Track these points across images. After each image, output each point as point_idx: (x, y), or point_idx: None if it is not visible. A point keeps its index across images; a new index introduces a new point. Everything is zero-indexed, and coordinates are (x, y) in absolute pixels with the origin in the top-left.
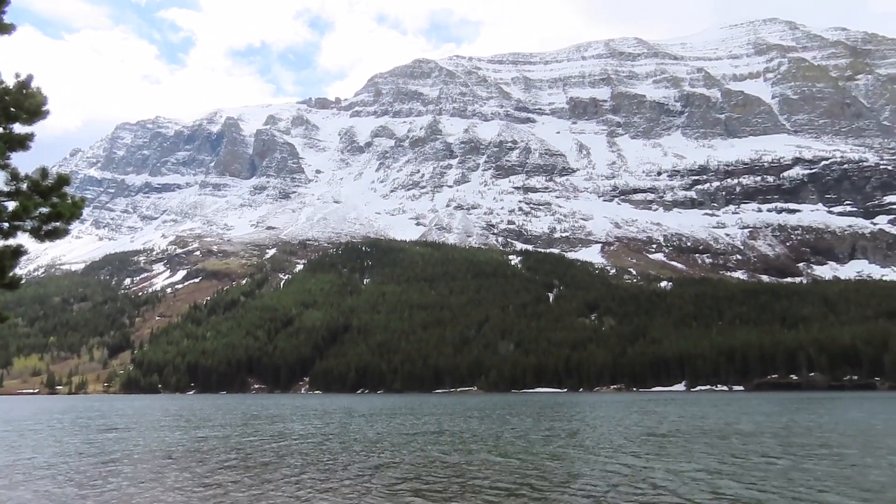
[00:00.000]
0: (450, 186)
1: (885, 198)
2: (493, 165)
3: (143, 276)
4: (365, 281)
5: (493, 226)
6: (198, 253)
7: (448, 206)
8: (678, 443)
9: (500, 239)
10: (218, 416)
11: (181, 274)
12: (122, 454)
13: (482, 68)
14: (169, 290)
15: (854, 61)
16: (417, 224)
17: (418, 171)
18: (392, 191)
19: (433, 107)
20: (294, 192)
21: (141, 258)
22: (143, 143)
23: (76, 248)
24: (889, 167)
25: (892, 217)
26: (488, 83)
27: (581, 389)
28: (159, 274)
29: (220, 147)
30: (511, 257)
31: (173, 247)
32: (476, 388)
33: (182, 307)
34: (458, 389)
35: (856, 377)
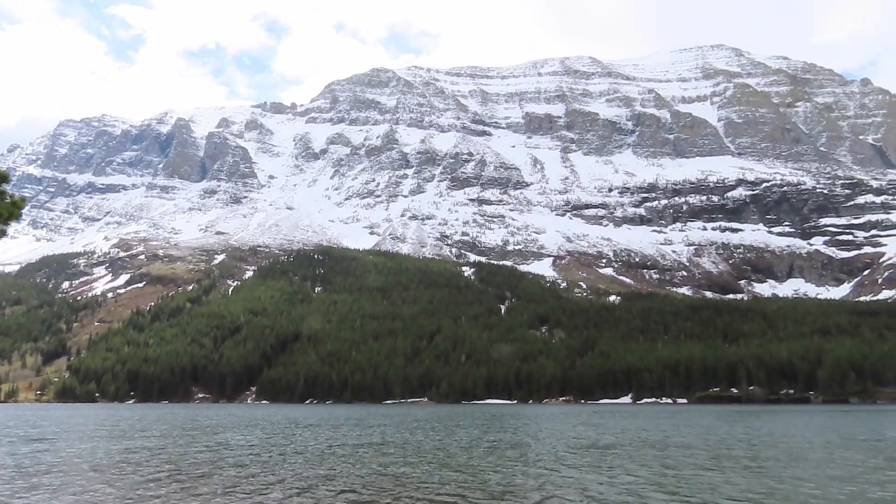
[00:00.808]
0: (405, 196)
1: (820, 220)
2: (449, 177)
3: (82, 279)
4: (316, 289)
5: (447, 237)
6: (142, 257)
7: (403, 215)
8: (616, 455)
9: (454, 250)
10: (155, 426)
11: (124, 278)
12: (48, 466)
13: (440, 80)
14: (110, 294)
15: (794, 89)
16: (371, 233)
17: (374, 180)
18: (346, 199)
19: (390, 116)
20: (246, 197)
21: (81, 261)
22: (88, 141)
23: (11, 249)
24: (825, 191)
25: (826, 238)
26: (446, 95)
27: (531, 401)
28: (100, 278)
29: (170, 148)
30: (464, 268)
31: (116, 250)
32: (426, 400)
33: (124, 313)
34: (409, 400)
35: (792, 391)
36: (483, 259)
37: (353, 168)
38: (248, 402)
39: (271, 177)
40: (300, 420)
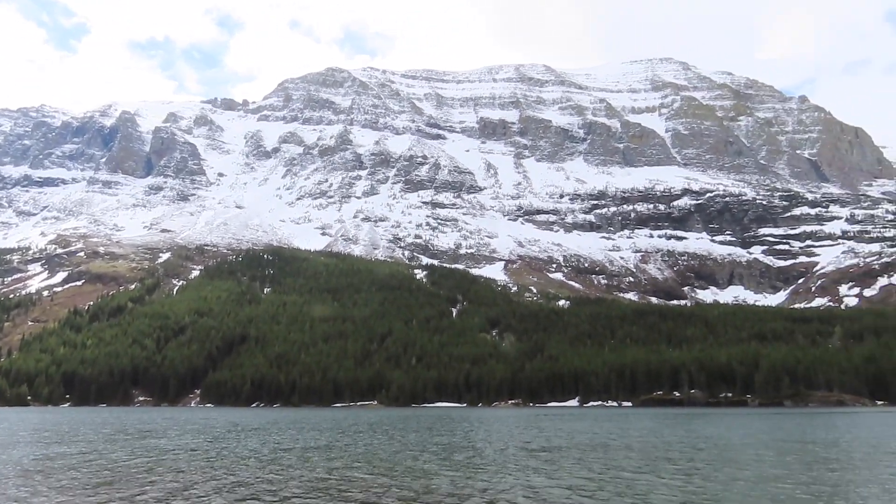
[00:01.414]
0: (358, 198)
1: (759, 230)
2: (403, 179)
3: (15, 276)
4: (265, 290)
5: (400, 239)
6: (82, 254)
7: (355, 217)
8: (551, 458)
9: (406, 252)
10: (88, 431)
11: (61, 276)
12: None
13: (396, 82)
14: (46, 292)
15: (737, 104)
16: (323, 234)
17: (326, 181)
18: (298, 199)
19: (344, 116)
20: (193, 194)
21: (14, 257)
22: (25, 132)
23: None
24: (764, 202)
25: (765, 248)
26: (401, 97)
27: (480, 404)
28: (35, 275)
29: (114, 142)
30: (416, 271)
31: (53, 246)
32: (376, 403)
33: (60, 312)
34: (358, 403)
35: (730, 394)
36: (435, 262)
37: (305, 168)
38: (192, 405)
39: (221, 174)
40: (243, 423)
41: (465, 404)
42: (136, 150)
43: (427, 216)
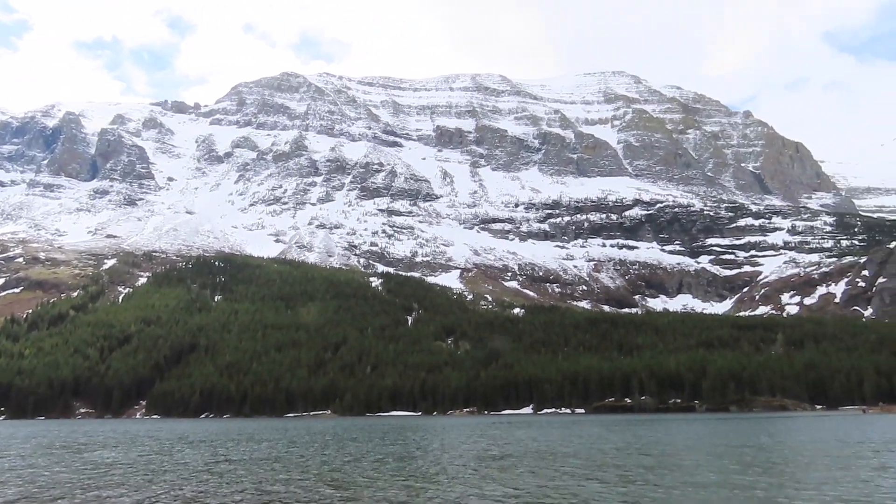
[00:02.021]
0: (313, 204)
1: (707, 240)
2: (359, 186)
3: None
4: (216, 298)
5: (355, 246)
6: (20, 259)
7: (310, 224)
8: (502, 465)
9: (361, 260)
10: (19, 444)
11: None
12: None
13: (352, 88)
14: None
15: (685, 117)
16: (277, 241)
17: (280, 187)
18: (251, 205)
19: (300, 122)
20: (141, 199)
21: None
22: None
23: None
24: (711, 213)
25: (712, 257)
26: (357, 104)
27: (435, 413)
28: None
29: (57, 144)
30: (372, 279)
31: None
32: (330, 412)
33: None
34: (312, 413)
35: (679, 400)
36: (391, 270)
37: (259, 173)
38: (137, 416)
39: (170, 179)
40: (189, 435)
41: (420, 413)
42: (80, 152)
43: (383, 224)
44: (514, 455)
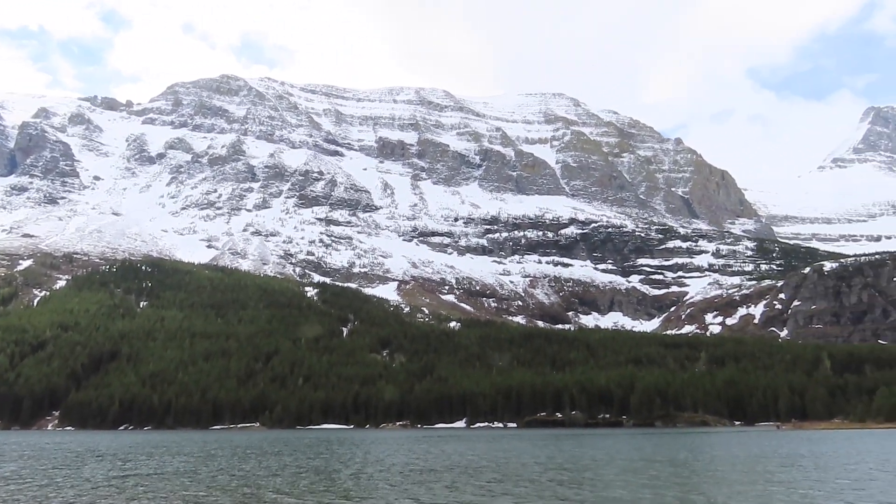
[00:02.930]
0: (249, 210)
1: (638, 260)
2: (297, 194)
3: None
4: (142, 304)
5: (291, 255)
6: None
7: (245, 230)
8: (415, 480)
9: (297, 269)
10: None
11: None
12: None
13: (294, 94)
14: None
15: (621, 141)
16: (209, 247)
17: (215, 191)
18: (184, 208)
19: (238, 126)
20: (64, 197)
21: None
22: None
23: None
24: (642, 234)
25: (642, 277)
26: (299, 111)
27: (368, 426)
28: None
29: None
30: (307, 289)
31: None
32: (259, 425)
33: None
34: (240, 426)
35: (608, 415)
36: (327, 280)
37: (193, 176)
38: (49, 428)
39: (97, 178)
40: (100, 448)
41: (352, 426)
42: None
43: (321, 233)
44: (435, 469)
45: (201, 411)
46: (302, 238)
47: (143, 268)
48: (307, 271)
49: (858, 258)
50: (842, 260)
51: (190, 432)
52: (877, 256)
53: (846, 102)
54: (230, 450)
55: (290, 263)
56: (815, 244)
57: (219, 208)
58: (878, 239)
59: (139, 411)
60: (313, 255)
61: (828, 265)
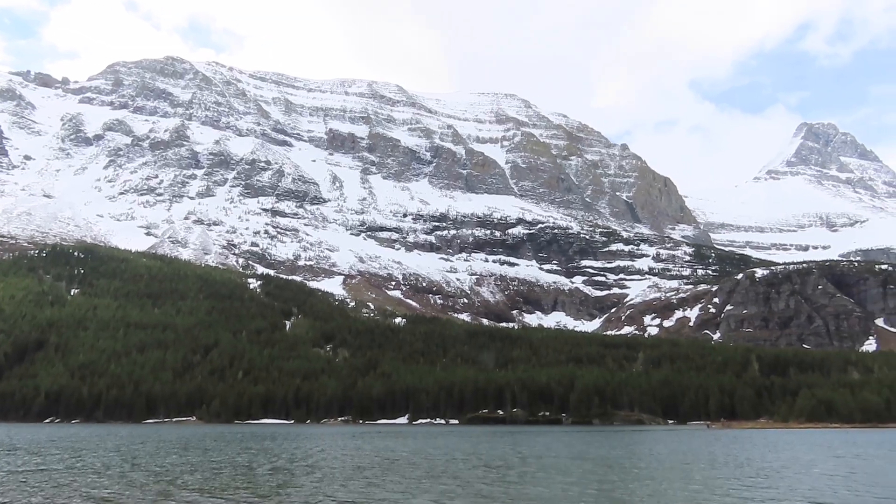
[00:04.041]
0: (191, 198)
1: (582, 261)
2: (243, 183)
3: None
4: (73, 291)
5: (234, 245)
6: None
7: (187, 218)
8: (338, 477)
9: (240, 260)
10: None
11: None
12: None
13: (242, 81)
14: None
15: (569, 144)
16: (148, 234)
17: (156, 177)
18: (122, 193)
19: (183, 110)
20: None
21: None
22: None
23: None
24: (587, 237)
25: (585, 278)
26: (247, 98)
27: (309, 421)
28: None
29: None
30: (250, 280)
31: None
32: (195, 419)
33: None
34: (175, 420)
35: (548, 413)
36: (271, 272)
37: (132, 160)
38: None
39: (28, 158)
40: (15, 441)
41: (293, 421)
42: None
43: (266, 224)
44: (362, 466)
45: (134, 404)
46: (246, 228)
47: (76, 253)
48: (251, 263)
49: (787, 266)
50: (772, 267)
51: (120, 426)
52: (804, 265)
53: (780, 117)
54: (155, 445)
55: (233, 254)
56: (748, 251)
57: (159, 195)
58: (805, 249)
59: (67, 404)
60: (258, 246)
61: (759, 272)
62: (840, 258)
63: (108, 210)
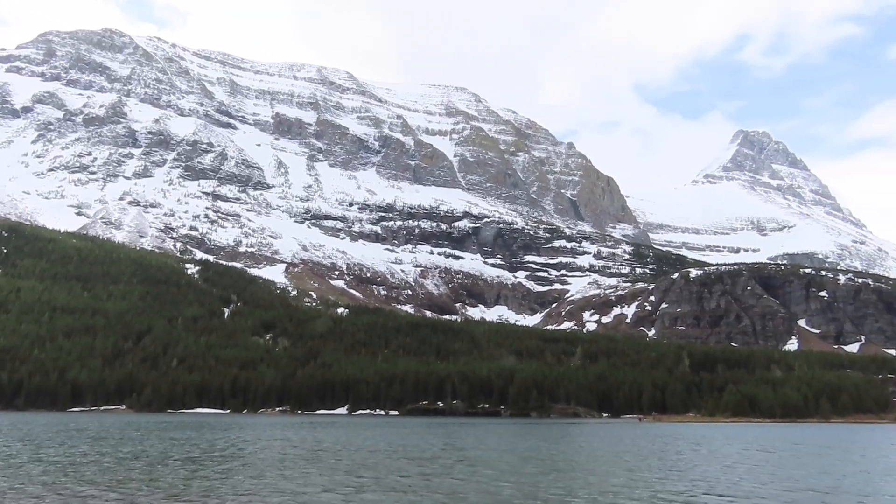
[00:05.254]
0: (127, 178)
1: (525, 256)
2: (183, 165)
3: None
4: None
5: (172, 229)
6: None
7: (122, 199)
8: (249, 471)
9: (178, 245)
10: None
11: None
12: None
13: (186, 59)
14: None
15: (517, 140)
16: (79, 214)
17: (90, 154)
18: (51, 170)
19: (120, 86)
20: None
21: None
22: None
23: None
24: (531, 232)
25: (528, 273)
26: (191, 77)
27: (245, 411)
28: None
29: None
30: (188, 266)
31: None
32: (125, 408)
33: None
34: (103, 408)
35: (487, 405)
36: (211, 258)
37: (64, 136)
38: None
39: None
40: None
41: (229, 411)
42: None
43: (207, 208)
44: (284, 458)
45: (58, 392)
46: (185, 212)
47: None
48: (189, 247)
49: (719, 268)
50: (705, 268)
51: (41, 414)
52: (735, 267)
53: (718, 123)
54: (68, 434)
55: (171, 238)
56: (684, 252)
57: (92, 173)
58: (737, 251)
59: None
60: (197, 230)
61: (693, 272)
62: (768, 261)
63: (36, 187)
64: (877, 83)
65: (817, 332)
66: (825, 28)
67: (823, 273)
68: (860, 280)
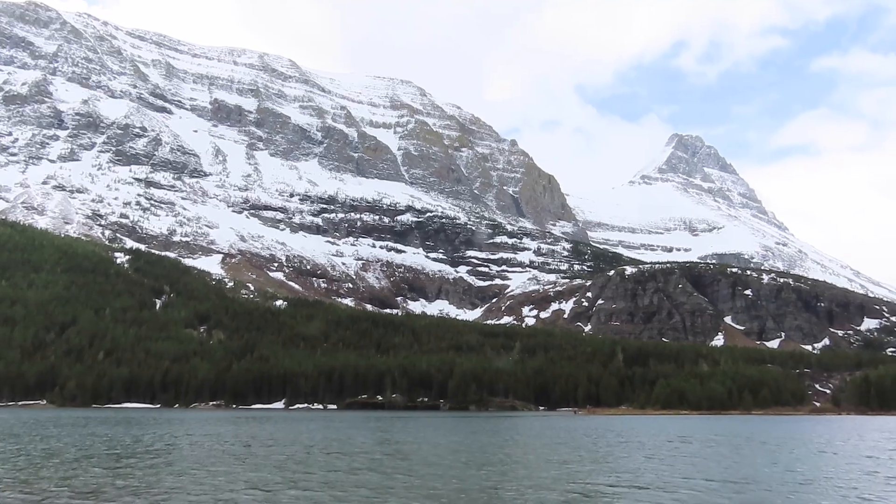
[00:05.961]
0: (52, 161)
1: (467, 252)
2: (114, 149)
3: None
4: None
5: (101, 216)
6: None
7: (45, 183)
8: (166, 469)
9: (107, 232)
10: None
11: None
12: None
13: (118, 38)
14: None
15: (461, 136)
16: None
17: (10, 134)
18: None
19: (46, 63)
20: None
21: None
22: None
23: None
24: (473, 228)
25: (469, 268)
26: (123, 57)
27: (177, 406)
28: None
29: None
30: (118, 255)
31: None
32: (46, 402)
33: None
34: (21, 403)
35: (427, 399)
36: (142, 247)
37: None
38: None
39: None
40: None
41: (159, 405)
42: None
43: (138, 195)
44: (201, 455)
45: None
46: (115, 198)
47: None
48: (119, 236)
49: (653, 266)
50: (640, 266)
51: None
52: (667, 265)
53: (654, 126)
54: None
55: (99, 225)
56: (620, 250)
57: (13, 154)
58: (670, 250)
59: None
60: (128, 218)
61: (628, 270)
62: (699, 260)
63: None
64: (801, 93)
65: (742, 328)
66: (755, 39)
67: (749, 273)
68: (782, 280)
